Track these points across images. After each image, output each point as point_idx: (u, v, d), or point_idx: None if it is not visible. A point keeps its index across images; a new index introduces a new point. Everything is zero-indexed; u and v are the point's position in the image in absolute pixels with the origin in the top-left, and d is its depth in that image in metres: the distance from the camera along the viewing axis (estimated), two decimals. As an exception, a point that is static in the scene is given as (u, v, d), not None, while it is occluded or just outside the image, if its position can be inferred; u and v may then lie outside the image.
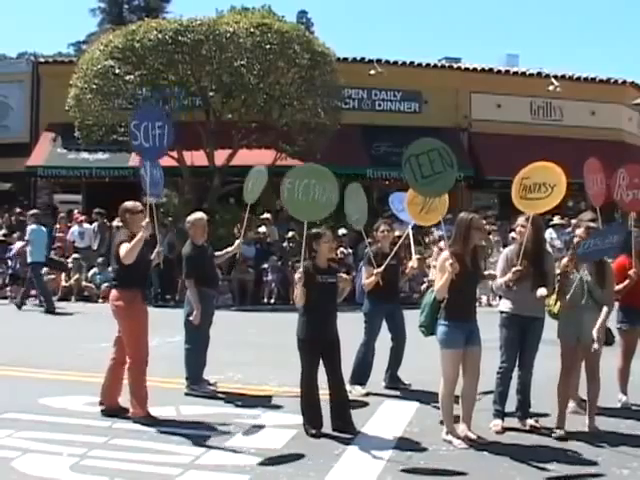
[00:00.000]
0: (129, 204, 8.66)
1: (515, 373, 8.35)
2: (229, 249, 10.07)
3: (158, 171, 9.11)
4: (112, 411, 8.58)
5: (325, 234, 8.33)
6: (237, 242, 9.84)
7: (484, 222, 17.67)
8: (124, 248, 8.23)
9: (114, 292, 8.62)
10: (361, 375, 9.74)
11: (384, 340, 10.14)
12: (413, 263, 10.23)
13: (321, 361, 8.14)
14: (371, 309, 9.95)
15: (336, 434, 7.91)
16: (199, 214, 10.12)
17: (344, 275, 8.64)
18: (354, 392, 9.42)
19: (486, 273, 9.31)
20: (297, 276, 7.99)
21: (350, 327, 9.21)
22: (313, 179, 8.20)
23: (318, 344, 8.05)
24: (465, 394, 7.77)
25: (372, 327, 9.97)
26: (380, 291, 9.65)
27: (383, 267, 9.51)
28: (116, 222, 9.16)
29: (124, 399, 8.66)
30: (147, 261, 8.72)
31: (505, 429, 8.07)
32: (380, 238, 10.14)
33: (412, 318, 8.41)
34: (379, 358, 10.07)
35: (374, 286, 9.66)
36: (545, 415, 8.40)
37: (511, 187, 8.24)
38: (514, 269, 7.96)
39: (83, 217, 23.85)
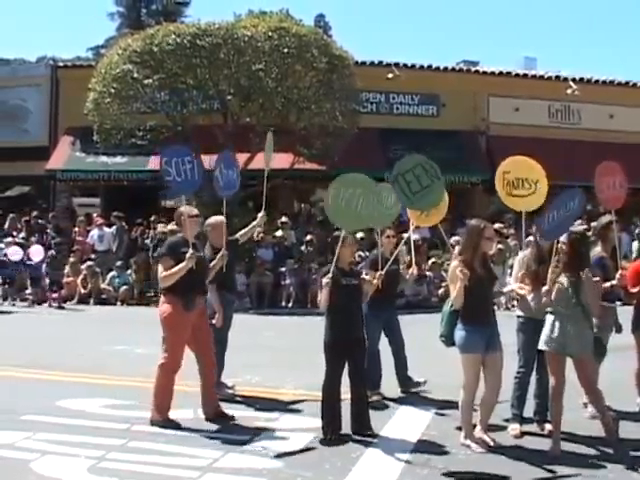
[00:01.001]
0: (187, 208, 8.76)
1: (533, 377, 8.32)
2: (254, 223, 10.09)
3: (234, 172, 9.36)
4: (216, 417, 8.65)
5: (347, 237, 8.36)
6: (219, 255, 9.28)
7: (502, 226, 17.55)
8: (163, 270, 8.45)
9: (161, 296, 8.74)
10: (372, 380, 9.68)
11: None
12: (413, 270, 10.14)
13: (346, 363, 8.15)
14: (369, 313, 9.85)
15: (354, 437, 7.90)
16: (218, 217, 10.13)
17: (367, 277, 8.62)
18: (374, 398, 9.40)
19: (495, 290, 9.01)
20: (325, 281, 7.99)
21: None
22: (359, 189, 8.12)
23: (342, 347, 8.06)
24: (485, 400, 7.72)
25: (372, 331, 9.88)
26: (379, 296, 9.56)
27: (384, 271, 9.37)
28: (170, 226, 9.29)
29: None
30: (196, 268, 8.47)
31: (523, 433, 8.03)
32: (385, 243, 10.04)
33: (430, 322, 8.38)
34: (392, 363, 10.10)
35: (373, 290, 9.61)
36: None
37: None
38: (544, 289, 7.85)
39: (102, 220, 23.96)
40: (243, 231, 10.44)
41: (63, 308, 20.38)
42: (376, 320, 9.86)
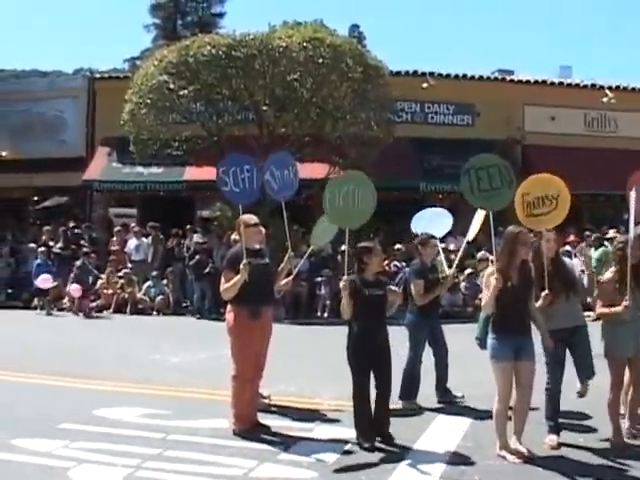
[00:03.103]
0: (245, 217, 8.78)
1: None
2: (282, 265, 9.61)
3: (290, 171, 9.38)
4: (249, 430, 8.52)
5: (375, 247, 8.43)
6: (286, 257, 9.53)
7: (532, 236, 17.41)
8: (224, 283, 8.51)
9: (228, 305, 8.78)
10: (411, 390, 9.67)
11: (428, 352, 10.13)
12: (449, 274, 10.12)
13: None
14: (418, 322, 9.86)
15: (390, 448, 7.87)
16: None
17: (394, 287, 8.61)
18: (407, 407, 9.39)
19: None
20: (342, 284, 8.03)
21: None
22: (352, 185, 8.36)
23: (365, 356, 8.05)
24: (516, 408, 7.66)
25: (418, 341, 9.90)
26: (426, 305, 9.62)
27: (450, 275, 9.48)
28: (234, 235, 9.38)
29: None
30: (257, 277, 8.44)
31: (560, 444, 7.94)
32: (428, 252, 10.07)
33: (466, 332, 8.34)
34: (430, 372, 10.05)
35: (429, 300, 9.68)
36: (595, 430, 8.31)
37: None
38: (543, 294, 7.82)
39: (138, 229, 24.06)
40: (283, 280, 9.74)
41: (92, 317, 20.60)
42: (422, 330, 9.88)
